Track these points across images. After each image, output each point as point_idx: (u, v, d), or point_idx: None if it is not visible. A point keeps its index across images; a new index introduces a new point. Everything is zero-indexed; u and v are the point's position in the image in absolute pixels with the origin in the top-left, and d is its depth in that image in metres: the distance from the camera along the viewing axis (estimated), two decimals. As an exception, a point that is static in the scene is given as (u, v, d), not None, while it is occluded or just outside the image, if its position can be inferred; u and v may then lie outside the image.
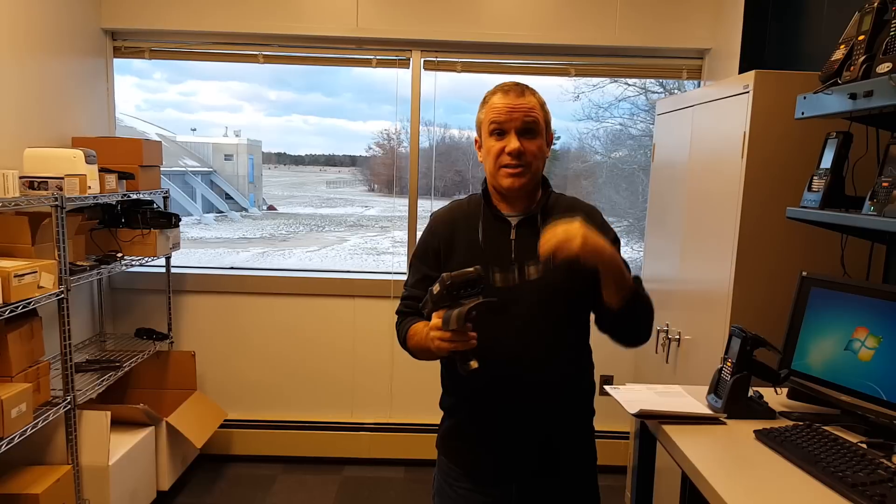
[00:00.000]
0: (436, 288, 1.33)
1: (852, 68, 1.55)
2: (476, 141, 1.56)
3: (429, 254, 1.56)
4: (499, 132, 1.46)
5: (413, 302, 1.55)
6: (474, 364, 1.31)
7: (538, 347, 1.47)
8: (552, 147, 1.58)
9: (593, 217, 1.52)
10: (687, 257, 2.53)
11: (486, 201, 1.53)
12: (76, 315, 3.07)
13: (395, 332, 1.62)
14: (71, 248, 2.49)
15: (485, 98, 1.52)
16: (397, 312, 1.62)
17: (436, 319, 1.33)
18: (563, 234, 1.29)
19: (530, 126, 1.46)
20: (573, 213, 1.41)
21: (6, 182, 2.20)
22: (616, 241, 1.53)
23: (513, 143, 1.44)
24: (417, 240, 1.64)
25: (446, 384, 1.61)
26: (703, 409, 1.66)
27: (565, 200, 1.57)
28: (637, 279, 1.46)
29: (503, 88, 1.49)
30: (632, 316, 1.46)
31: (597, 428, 1.63)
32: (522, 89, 1.48)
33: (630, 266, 1.51)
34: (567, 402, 1.54)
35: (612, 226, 1.57)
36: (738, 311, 2.09)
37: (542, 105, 1.51)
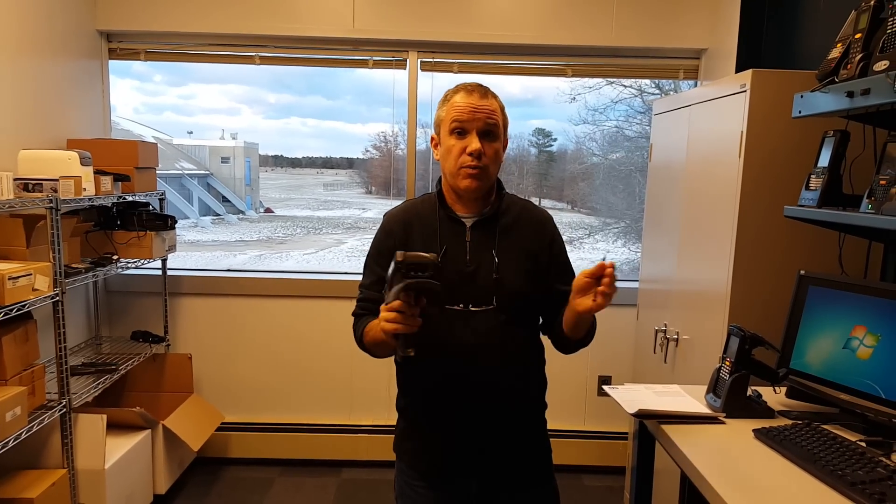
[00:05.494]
0: (391, 267, 1.28)
1: (849, 66, 1.55)
2: (433, 139, 1.56)
3: (383, 254, 1.52)
4: (460, 131, 1.46)
5: (369, 304, 1.53)
6: (411, 352, 1.28)
7: (492, 346, 1.47)
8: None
9: (548, 224, 1.59)
10: (685, 257, 2.52)
11: (441, 202, 1.54)
12: (71, 318, 3.06)
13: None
14: (66, 250, 2.49)
15: (445, 96, 1.51)
16: (353, 314, 1.59)
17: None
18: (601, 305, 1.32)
19: (491, 128, 1.47)
20: (530, 217, 1.54)
21: (0, 184, 2.19)
22: (562, 248, 1.59)
23: (474, 143, 1.44)
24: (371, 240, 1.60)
25: (401, 384, 1.60)
26: (702, 409, 1.66)
27: (519, 204, 1.59)
28: None
29: (466, 88, 1.48)
30: (584, 342, 1.52)
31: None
32: (485, 91, 1.49)
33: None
34: (520, 399, 1.55)
35: (560, 233, 1.63)
36: (736, 311, 2.09)
37: (503, 109, 1.52)
